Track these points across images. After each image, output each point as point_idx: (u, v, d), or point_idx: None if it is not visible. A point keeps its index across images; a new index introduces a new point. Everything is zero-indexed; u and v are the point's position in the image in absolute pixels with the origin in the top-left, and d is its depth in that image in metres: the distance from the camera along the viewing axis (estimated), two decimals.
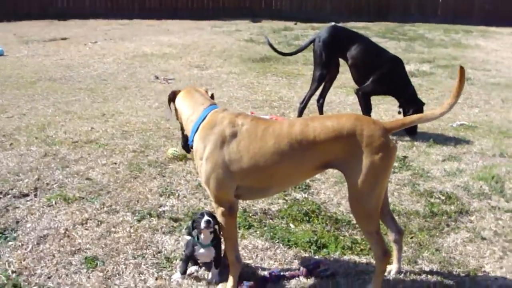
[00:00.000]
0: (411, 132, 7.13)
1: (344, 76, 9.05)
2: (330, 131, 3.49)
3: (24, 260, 4.13)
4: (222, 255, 3.92)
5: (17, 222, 4.69)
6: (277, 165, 3.54)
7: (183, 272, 3.86)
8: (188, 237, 4.01)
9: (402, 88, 7.25)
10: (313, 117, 3.82)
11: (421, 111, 6.88)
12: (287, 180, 3.80)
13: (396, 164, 6.18)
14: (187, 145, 3.97)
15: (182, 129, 4.09)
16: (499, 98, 9.76)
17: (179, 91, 4.06)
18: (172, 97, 4.06)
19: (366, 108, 7.29)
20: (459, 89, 3.60)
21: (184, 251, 3.92)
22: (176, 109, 4.04)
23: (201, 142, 3.66)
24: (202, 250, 3.79)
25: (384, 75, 7.17)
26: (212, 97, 4.08)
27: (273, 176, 3.62)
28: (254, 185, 3.68)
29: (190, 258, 3.87)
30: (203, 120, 3.75)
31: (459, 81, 3.61)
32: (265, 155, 3.52)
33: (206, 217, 3.67)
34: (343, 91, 9.61)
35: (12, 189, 5.25)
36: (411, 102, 7.17)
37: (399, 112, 7.28)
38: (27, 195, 5.19)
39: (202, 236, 3.76)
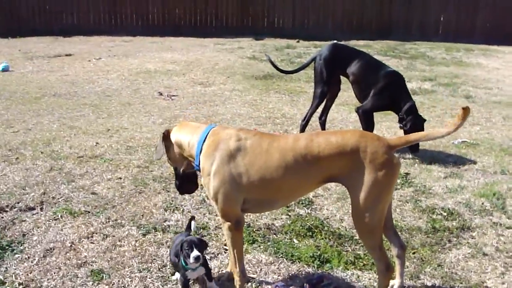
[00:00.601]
0: (414, 149, 7.13)
1: (347, 93, 9.15)
2: (334, 146, 3.55)
3: (30, 273, 4.17)
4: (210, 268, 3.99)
5: (24, 235, 4.74)
6: (283, 178, 3.60)
7: None
8: (175, 277, 4.04)
9: (401, 102, 7.18)
10: (317, 133, 3.87)
11: (420, 127, 6.88)
12: (293, 193, 3.86)
13: (398, 180, 6.22)
14: (181, 187, 4.05)
15: (175, 169, 4.14)
16: (501, 116, 9.82)
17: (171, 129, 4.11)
18: (166, 134, 4.05)
19: (367, 126, 7.23)
20: (462, 120, 3.66)
21: (179, 277, 3.90)
22: (168, 148, 4.05)
23: (208, 159, 3.71)
24: (192, 272, 3.79)
25: (382, 90, 7.16)
26: None
27: (279, 189, 3.68)
28: (261, 198, 3.74)
29: (188, 281, 3.86)
30: (205, 139, 3.81)
31: (462, 119, 3.67)
32: (270, 168, 3.59)
33: (195, 253, 3.65)
34: (346, 108, 9.68)
35: (18, 203, 5.31)
36: (410, 118, 7.07)
37: (401, 127, 7.20)
38: (33, 208, 5.24)
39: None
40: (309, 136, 3.71)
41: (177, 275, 3.92)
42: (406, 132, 6.84)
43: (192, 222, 4.31)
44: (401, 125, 7.18)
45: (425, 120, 7.25)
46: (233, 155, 3.64)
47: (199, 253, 3.64)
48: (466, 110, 3.65)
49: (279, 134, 3.99)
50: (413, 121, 7.04)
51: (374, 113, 7.38)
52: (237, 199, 3.66)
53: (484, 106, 10.51)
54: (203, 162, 3.76)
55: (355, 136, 3.61)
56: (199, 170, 3.84)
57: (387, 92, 7.17)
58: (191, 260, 3.64)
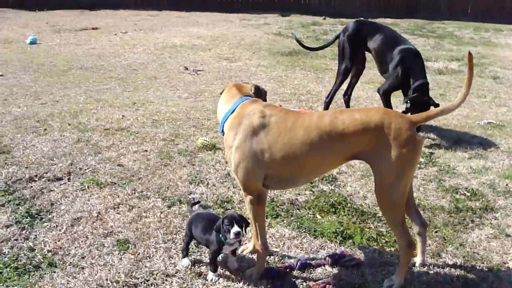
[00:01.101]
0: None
1: (372, 71, 9.10)
2: (359, 123, 3.56)
3: (58, 241, 4.28)
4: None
5: (52, 204, 4.85)
6: (306, 155, 3.62)
7: (215, 270, 3.87)
8: (186, 263, 4.02)
9: (411, 80, 6.97)
10: (342, 110, 3.88)
11: (423, 107, 6.33)
12: (315, 170, 3.88)
13: (422, 160, 6.22)
14: None
15: None
16: None
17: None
18: (221, 91, 4.18)
19: (386, 107, 7.02)
20: (470, 76, 3.69)
21: (211, 250, 3.86)
22: None
23: (231, 132, 3.77)
24: (228, 247, 3.84)
25: (396, 68, 7.01)
26: (258, 89, 4.11)
27: (302, 166, 3.70)
28: (283, 175, 3.76)
29: (218, 255, 3.91)
30: (233, 111, 3.85)
31: (470, 68, 3.71)
32: (294, 146, 3.61)
33: (236, 229, 3.67)
34: (371, 86, 9.63)
35: (46, 173, 5.42)
36: (414, 96, 6.80)
37: (406, 110, 6.76)
38: (61, 179, 5.35)
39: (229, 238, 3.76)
40: (333, 113, 3.72)
41: (211, 274, 3.89)
42: (409, 112, 6.53)
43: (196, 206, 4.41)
44: (405, 102, 6.88)
45: (433, 103, 6.86)
46: (256, 131, 3.66)
47: (239, 229, 3.66)
48: (470, 56, 3.74)
49: (304, 112, 4.00)
50: (416, 99, 6.77)
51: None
52: (258, 174, 3.69)
53: (511, 87, 10.37)
54: (226, 133, 3.82)
55: (379, 113, 3.62)
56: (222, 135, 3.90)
57: (400, 69, 7.00)
58: (232, 235, 3.66)
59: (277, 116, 3.71)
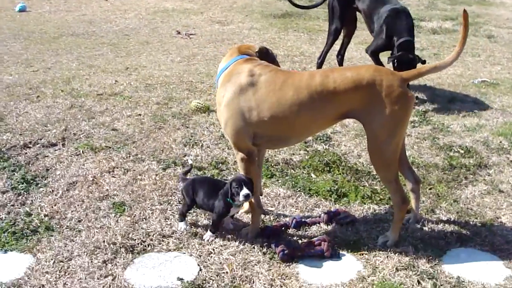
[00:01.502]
0: None
1: (366, 32, 9.00)
2: (350, 81, 3.55)
3: (55, 205, 4.29)
4: None
5: (47, 170, 4.85)
6: (296, 115, 3.61)
7: (216, 232, 3.90)
8: (183, 227, 3.99)
9: (395, 38, 6.73)
10: (332, 69, 3.88)
11: (408, 65, 6.11)
12: (306, 131, 3.88)
13: (416, 118, 6.23)
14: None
15: None
16: None
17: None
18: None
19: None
20: (464, 34, 3.66)
21: (216, 212, 3.85)
22: None
23: (221, 89, 3.78)
24: (235, 208, 3.88)
25: (381, 27, 6.84)
26: (261, 51, 4.04)
27: (292, 126, 3.70)
28: (273, 135, 3.76)
29: (223, 218, 3.92)
30: (226, 69, 3.84)
31: (464, 26, 3.69)
32: (283, 105, 3.59)
33: (245, 191, 3.67)
34: (364, 47, 9.51)
35: (41, 139, 5.40)
36: (398, 54, 6.54)
37: (392, 61, 6.62)
38: (55, 144, 5.34)
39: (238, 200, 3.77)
40: (324, 72, 3.71)
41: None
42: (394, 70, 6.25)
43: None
44: (390, 61, 6.68)
45: (421, 61, 6.68)
46: (244, 89, 3.65)
47: (248, 191, 3.67)
48: (465, 14, 3.74)
49: (295, 71, 3.98)
50: (400, 58, 6.54)
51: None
52: (246, 132, 3.69)
53: (506, 46, 10.33)
54: (218, 91, 3.83)
55: (370, 71, 3.61)
56: None
57: (385, 28, 6.81)
58: (241, 198, 3.68)
59: (266, 75, 3.68)
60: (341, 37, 7.71)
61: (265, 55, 4.03)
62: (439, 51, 9.59)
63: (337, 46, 7.78)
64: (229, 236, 3.90)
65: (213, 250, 3.72)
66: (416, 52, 6.82)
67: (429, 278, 3.43)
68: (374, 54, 7.07)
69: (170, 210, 4.22)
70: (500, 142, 5.71)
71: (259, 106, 3.62)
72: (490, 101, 7.05)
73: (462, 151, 5.44)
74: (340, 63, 7.85)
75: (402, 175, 4.02)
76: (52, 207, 4.26)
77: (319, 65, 7.64)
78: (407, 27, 6.85)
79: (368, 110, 3.58)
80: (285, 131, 3.74)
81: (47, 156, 5.09)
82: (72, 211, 4.21)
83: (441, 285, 3.37)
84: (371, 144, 3.64)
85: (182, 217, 4.02)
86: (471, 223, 4.18)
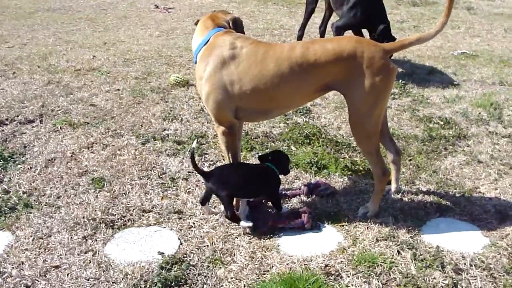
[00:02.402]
0: None
1: None
2: (331, 53, 3.52)
3: (33, 182, 4.24)
4: None
5: (25, 147, 4.79)
6: (277, 88, 3.57)
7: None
8: (246, 224, 3.65)
9: (375, 22, 6.69)
10: (313, 40, 3.83)
11: None
12: (288, 103, 3.83)
13: (396, 90, 6.24)
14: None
15: None
16: (502, 28, 9.72)
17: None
18: (196, 22, 4.07)
19: None
20: (450, 6, 3.63)
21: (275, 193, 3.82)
22: None
23: (201, 63, 3.70)
24: None
25: (355, 5, 6.68)
26: (235, 22, 3.99)
27: (273, 98, 3.66)
28: (254, 107, 3.71)
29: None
30: (206, 42, 3.78)
31: None
32: (264, 78, 3.55)
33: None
34: None
35: (17, 116, 5.33)
36: (383, 38, 6.31)
37: None
38: (32, 121, 5.27)
39: None
40: (305, 44, 3.67)
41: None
42: None
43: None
44: None
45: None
46: (226, 63, 3.60)
47: None
48: None
49: (276, 43, 3.93)
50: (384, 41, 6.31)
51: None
52: (228, 106, 3.65)
53: (485, 18, 10.37)
54: (198, 64, 3.76)
55: (352, 42, 3.57)
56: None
57: (360, 7, 6.67)
58: None
59: (247, 48, 3.64)
60: (323, 9, 7.66)
61: (240, 26, 4.00)
62: (419, 24, 9.59)
63: (319, 18, 7.74)
64: (214, 211, 3.85)
65: (194, 224, 3.71)
66: (396, 25, 6.91)
67: (408, 248, 3.45)
68: (338, 30, 6.84)
69: (149, 185, 4.19)
70: (479, 113, 5.74)
71: (241, 79, 3.57)
72: (470, 72, 7.08)
73: (442, 123, 5.46)
74: (322, 35, 7.81)
75: (384, 146, 4.01)
76: (31, 184, 4.21)
77: (299, 37, 7.65)
78: (383, 8, 6.80)
79: (349, 82, 3.55)
80: (267, 104, 3.70)
81: (24, 133, 5.02)
82: (51, 188, 4.17)
83: (421, 254, 3.40)
84: (352, 116, 3.62)
85: (235, 216, 3.63)
86: (450, 193, 4.21)
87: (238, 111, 3.69)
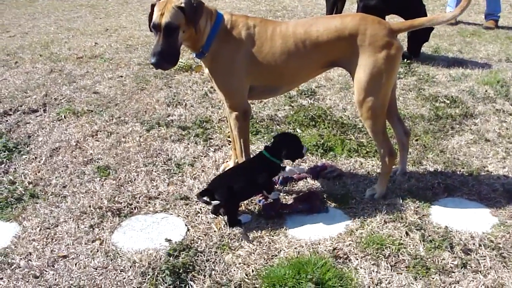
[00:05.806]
0: (415, 53, 6.70)
1: None
2: (333, 31, 3.50)
3: (39, 172, 4.23)
4: None
5: (29, 137, 4.78)
6: (285, 64, 3.58)
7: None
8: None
9: (411, 7, 6.22)
10: (318, 18, 3.79)
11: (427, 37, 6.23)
12: (295, 79, 3.83)
13: (401, 69, 6.18)
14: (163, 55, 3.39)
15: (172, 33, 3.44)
16: (508, 3, 9.60)
17: None
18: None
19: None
20: None
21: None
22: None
23: (220, 50, 3.57)
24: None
25: None
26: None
27: (282, 75, 3.66)
28: (265, 85, 3.72)
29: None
30: (217, 29, 3.59)
31: None
32: (274, 54, 3.56)
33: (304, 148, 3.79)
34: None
35: (21, 106, 5.32)
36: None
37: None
38: (36, 110, 5.26)
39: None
40: (309, 21, 3.66)
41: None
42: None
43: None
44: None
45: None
46: (244, 44, 3.56)
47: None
48: None
49: (282, 21, 3.89)
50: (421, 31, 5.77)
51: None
52: (244, 87, 3.64)
53: None
54: (213, 49, 3.58)
55: (355, 20, 3.53)
56: (200, 57, 3.68)
57: None
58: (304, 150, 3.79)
59: (258, 26, 3.62)
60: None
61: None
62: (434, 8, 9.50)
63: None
64: None
65: (200, 210, 3.69)
66: None
67: (417, 229, 3.42)
68: (365, 10, 6.29)
69: (155, 172, 4.17)
70: (486, 91, 5.68)
71: (257, 58, 3.56)
72: (475, 50, 7.01)
73: (448, 101, 5.41)
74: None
75: (391, 126, 3.98)
76: (36, 174, 4.20)
77: None
78: None
79: (353, 59, 3.52)
80: (276, 80, 3.70)
81: (28, 123, 5.01)
82: (56, 177, 4.15)
83: (429, 235, 3.37)
84: (358, 95, 3.57)
85: (237, 221, 3.55)
86: (458, 173, 4.17)
87: (250, 90, 3.68)
